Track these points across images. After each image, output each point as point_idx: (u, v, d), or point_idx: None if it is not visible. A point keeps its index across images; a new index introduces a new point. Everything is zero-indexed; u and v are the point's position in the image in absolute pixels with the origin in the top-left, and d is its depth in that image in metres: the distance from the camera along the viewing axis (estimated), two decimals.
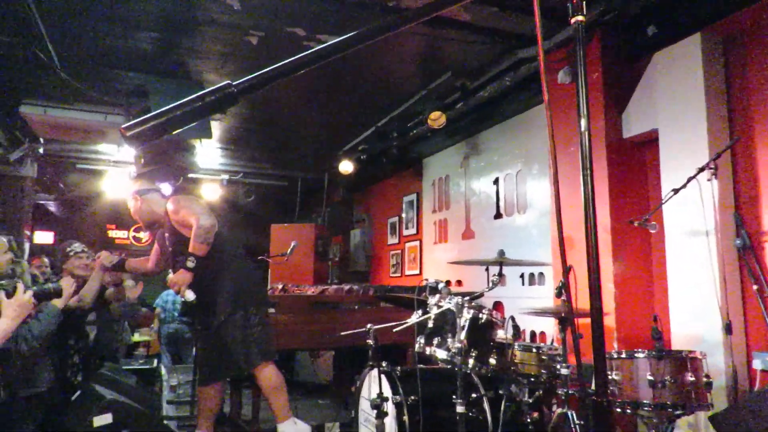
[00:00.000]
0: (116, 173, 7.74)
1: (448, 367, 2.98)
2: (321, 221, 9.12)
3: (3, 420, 2.55)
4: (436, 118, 5.16)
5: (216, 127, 6.65)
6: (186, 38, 4.47)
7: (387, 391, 2.95)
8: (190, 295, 3.42)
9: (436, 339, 2.94)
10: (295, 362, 6.59)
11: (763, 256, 3.28)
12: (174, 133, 0.92)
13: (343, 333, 3.29)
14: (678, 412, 2.65)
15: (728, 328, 3.10)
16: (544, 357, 2.95)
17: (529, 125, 5.42)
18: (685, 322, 3.45)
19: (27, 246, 7.59)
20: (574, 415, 2.77)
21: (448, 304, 2.94)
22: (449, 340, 2.89)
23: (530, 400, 3.00)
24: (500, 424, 3.01)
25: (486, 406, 3.08)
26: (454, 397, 2.76)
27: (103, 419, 3.06)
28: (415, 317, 3.01)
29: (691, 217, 3.40)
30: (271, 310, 4.18)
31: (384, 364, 3.08)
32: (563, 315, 2.93)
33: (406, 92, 5.55)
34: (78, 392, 3.35)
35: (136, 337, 7.80)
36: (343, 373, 5.73)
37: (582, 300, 1.68)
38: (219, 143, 7.47)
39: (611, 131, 3.98)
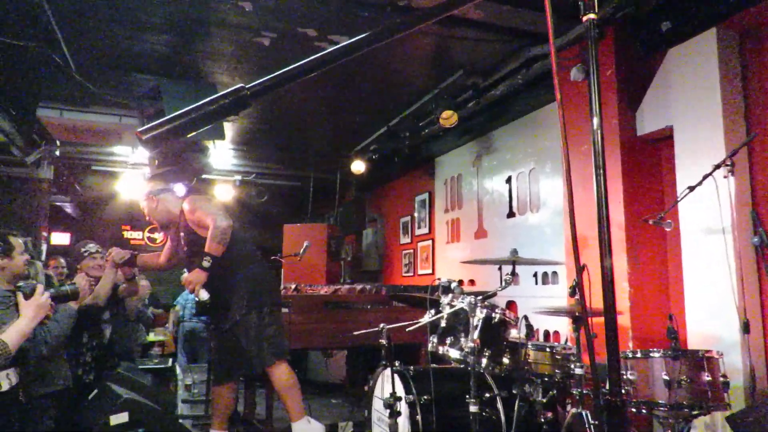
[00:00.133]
0: (131, 175, 7.83)
1: (461, 366, 2.98)
2: (333, 221, 9.15)
3: (20, 418, 2.59)
4: (448, 117, 5.15)
5: (228, 128, 6.70)
6: (198, 40, 4.51)
7: (400, 391, 2.95)
8: (204, 295, 3.46)
9: (449, 338, 2.94)
10: (308, 361, 6.62)
11: None
12: (188, 135, 0.93)
13: (356, 332, 3.29)
14: (694, 413, 2.63)
15: (746, 327, 3.05)
16: (557, 356, 2.94)
17: (542, 123, 5.38)
18: (702, 321, 3.41)
19: (44, 247, 7.71)
20: (589, 415, 2.75)
21: (461, 303, 2.94)
22: (462, 339, 2.88)
23: (544, 400, 2.98)
24: (514, 424, 3.00)
25: (499, 405, 3.07)
26: (467, 396, 2.75)
27: (120, 418, 3.10)
28: (427, 317, 3.01)
29: (707, 215, 3.36)
30: (285, 310, 4.20)
31: (397, 363, 3.08)
32: (577, 314, 2.91)
33: (418, 91, 5.55)
34: (95, 391, 3.40)
35: (151, 337, 7.88)
36: (356, 373, 5.74)
37: (596, 299, 1.67)
38: (232, 144, 7.52)
39: (625, 129, 3.95)
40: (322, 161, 8.17)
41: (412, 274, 7.71)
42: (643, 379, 2.70)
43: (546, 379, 2.94)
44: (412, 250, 7.76)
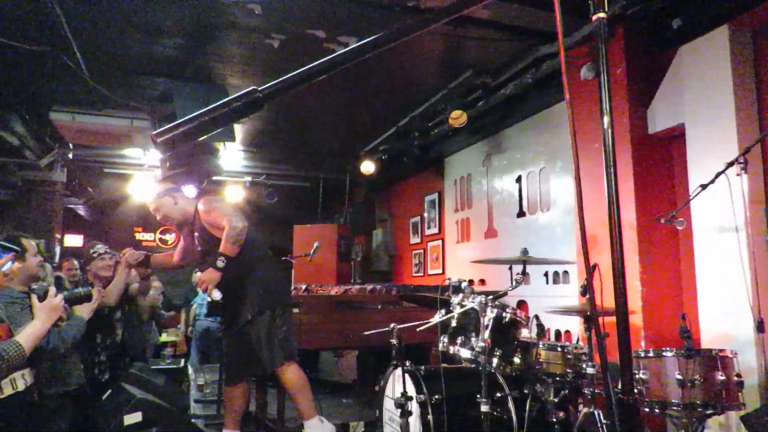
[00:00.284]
0: (143, 177, 7.89)
1: (472, 366, 2.98)
2: (343, 221, 9.16)
3: (35, 418, 2.62)
4: (457, 117, 5.14)
5: (239, 129, 6.74)
6: (209, 43, 4.54)
7: (411, 390, 2.95)
8: (216, 295, 3.48)
9: (460, 338, 2.94)
10: (319, 361, 6.64)
11: None
12: (202, 138, 0.94)
13: (366, 332, 3.30)
14: (708, 412, 2.61)
15: (760, 326, 3.02)
16: (569, 356, 2.93)
17: (552, 122, 5.36)
18: (715, 320, 3.38)
19: (57, 249, 7.80)
20: (601, 414, 2.74)
21: (472, 303, 2.94)
22: (473, 339, 2.88)
23: (556, 400, 2.97)
24: (525, 423, 2.99)
25: (511, 405, 3.06)
26: (478, 396, 2.75)
27: (134, 417, 3.14)
28: (438, 316, 3.01)
29: (720, 213, 3.33)
30: (296, 310, 4.22)
31: (408, 363, 3.08)
32: (588, 314, 2.90)
33: (427, 91, 5.55)
34: (109, 391, 3.43)
35: (164, 338, 7.94)
36: (367, 373, 5.75)
37: (608, 298, 1.66)
38: (242, 146, 7.56)
39: (636, 127, 3.92)
40: (332, 162, 8.19)
41: (422, 274, 7.71)
42: (656, 379, 2.68)
43: (557, 378, 2.93)
44: (422, 250, 7.76)
